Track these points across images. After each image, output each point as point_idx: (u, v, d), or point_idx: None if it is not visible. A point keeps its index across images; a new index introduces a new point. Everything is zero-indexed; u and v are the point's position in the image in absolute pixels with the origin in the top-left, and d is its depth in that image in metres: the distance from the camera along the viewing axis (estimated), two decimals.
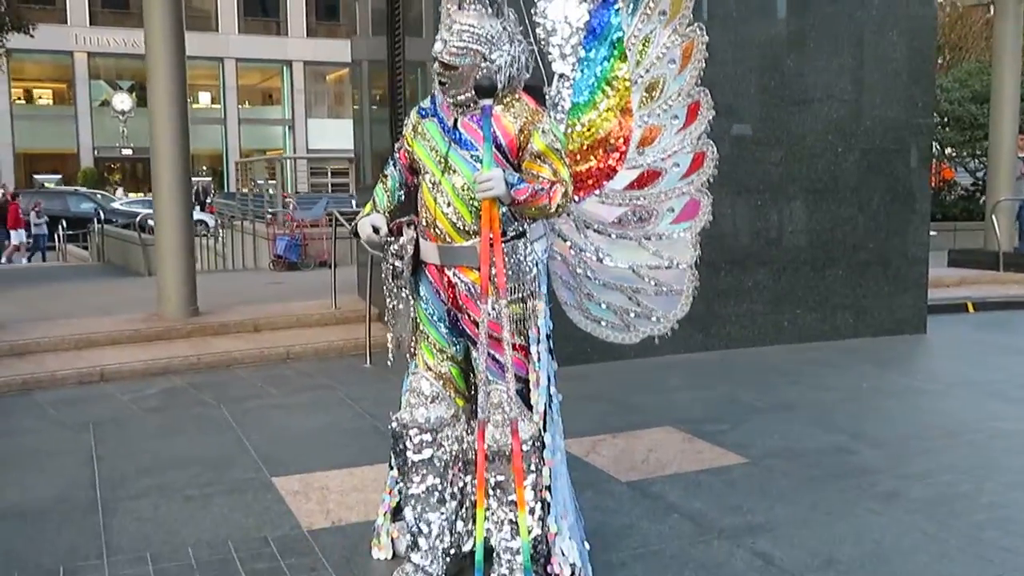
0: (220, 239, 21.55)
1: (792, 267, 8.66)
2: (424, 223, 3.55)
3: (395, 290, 3.72)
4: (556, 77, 3.89)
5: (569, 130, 3.89)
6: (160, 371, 7.51)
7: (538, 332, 3.59)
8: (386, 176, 3.75)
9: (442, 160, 3.45)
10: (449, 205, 3.44)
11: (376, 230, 3.63)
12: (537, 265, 3.60)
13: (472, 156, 3.38)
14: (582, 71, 3.90)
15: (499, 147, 3.37)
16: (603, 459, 5.20)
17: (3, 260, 22.65)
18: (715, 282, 8.23)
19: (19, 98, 43.49)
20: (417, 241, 3.61)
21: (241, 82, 45.25)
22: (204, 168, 44.93)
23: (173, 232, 8.93)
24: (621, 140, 3.95)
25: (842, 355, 8.18)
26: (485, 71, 3.31)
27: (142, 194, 36.80)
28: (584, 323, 4.18)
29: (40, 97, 45.79)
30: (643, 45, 3.93)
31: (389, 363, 3.86)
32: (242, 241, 19.47)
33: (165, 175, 8.98)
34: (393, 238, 3.66)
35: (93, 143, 43.13)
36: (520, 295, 3.56)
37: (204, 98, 46.82)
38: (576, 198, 3.91)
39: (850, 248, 8.84)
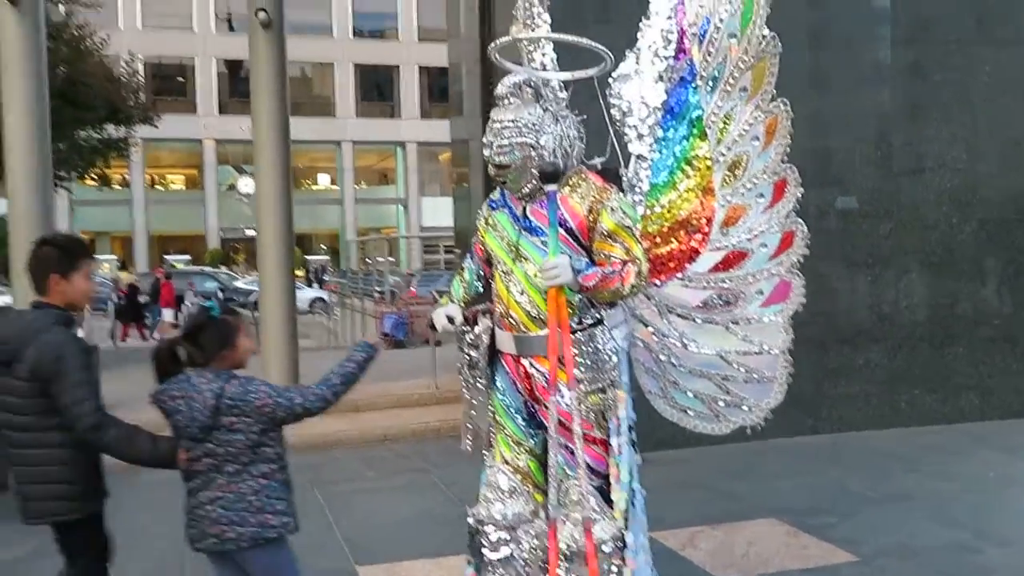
0: (333, 316, 22.04)
1: (908, 344, 8.19)
2: (499, 313, 3.49)
3: (471, 380, 3.65)
4: (633, 158, 3.79)
5: (648, 212, 3.76)
6: None
7: (619, 423, 3.44)
8: (463, 269, 3.75)
9: (513, 248, 3.39)
10: (522, 293, 3.36)
11: (451, 320, 3.59)
12: (617, 353, 3.47)
13: (542, 242, 3.30)
14: (660, 151, 3.78)
15: (569, 230, 3.29)
16: (700, 553, 4.93)
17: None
18: (824, 361, 7.86)
19: (153, 183, 46.12)
20: (493, 331, 3.54)
21: (358, 163, 46.92)
22: (323, 247, 46.51)
23: (277, 311, 9.14)
24: (703, 221, 3.79)
25: (965, 440, 7.63)
26: (542, 158, 3.26)
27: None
28: (670, 412, 3.98)
29: (172, 182, 48.47)
30: (724, 123, 3.79)
31: (468, 450, 3.78)
32: (352, 319, 19.86)
33: (270, 256, 9.24)
34: (469, 328, 3.60)
35: (220, 225, 45.23)
36: (599, 385, 3.43)
37: (323, 180, 48.72)
38: (657, 282, 3.77)
39: (972, 324, 8.31)
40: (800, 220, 3.89)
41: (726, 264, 3.84)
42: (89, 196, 33.52)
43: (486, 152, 3.33)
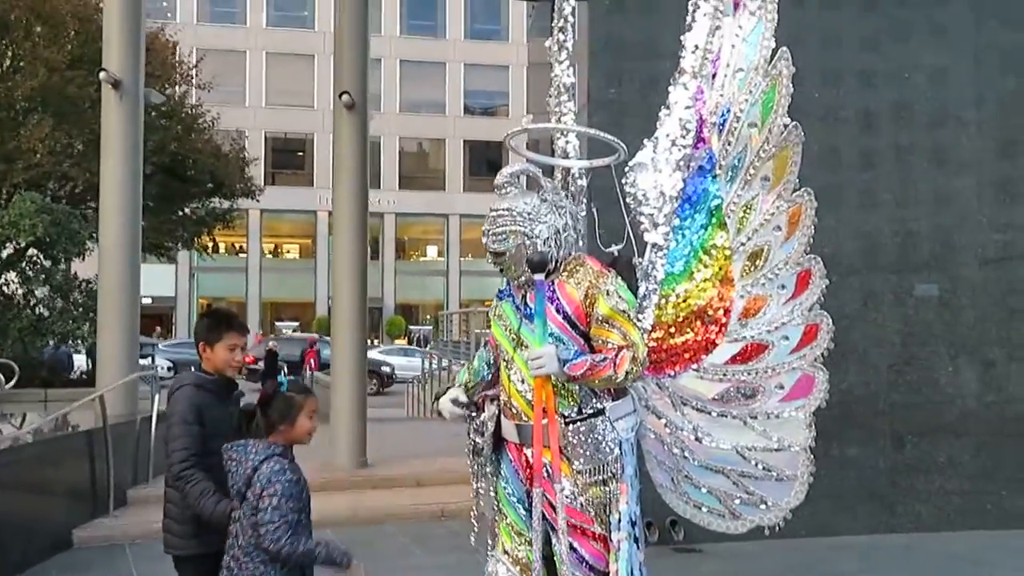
0: (427, 385, 22.22)
1: (996, 440, 7.69)
2: (503, 401, 3.48)
3: (476, 468, 3.62)
4: (649, 247, 3.73)
5: (663, 301, 3.70)
6: (316, 523, 7.60)
7: (620, 518, 3.34)
8: (474, 357, 3.75)
9: (515, 337, 3.38)
10: (523, 382, 3.34)
11: (457, 403, 3.60)
12: (620, 445, 3.38)
13: (540, 326, 3.28)
14: (676, 240, 3.73)
15: (566, 316, 3.27)
16: None
17: None
18: (901, 455, 7.47)
19: (269, 252, 47.98)
20: (499, 418, 3.52)
21: (465, 236, 47.77)
22: (428, 317, 47.26)
23: (347, 383, 9.28)
24: (721, 311, 3.71)
25: None
26: (533, 248, 3.27)
27: (369, 342, 39.00)
28: (683, 508, 3.85)
29: (288, 251, 50.30)
30: (744, 212, 3.73)
31: (472, 541, 3.73)
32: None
33: (343, 325, 9.42)
34: (475, 414, 3.59)
35: (328, 293, 46.58)
36: (600, 477, 3.35)
37: (431, 251, 49.74)
38: (671, 372, 3.69)
39: None
40: (825, 313, 3.76)
41: (744, 356, 3.73)
42: (209, 263, 35.08)
43: (484, 240, 3.36)
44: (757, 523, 3.80)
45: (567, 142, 3.93)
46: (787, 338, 3.74)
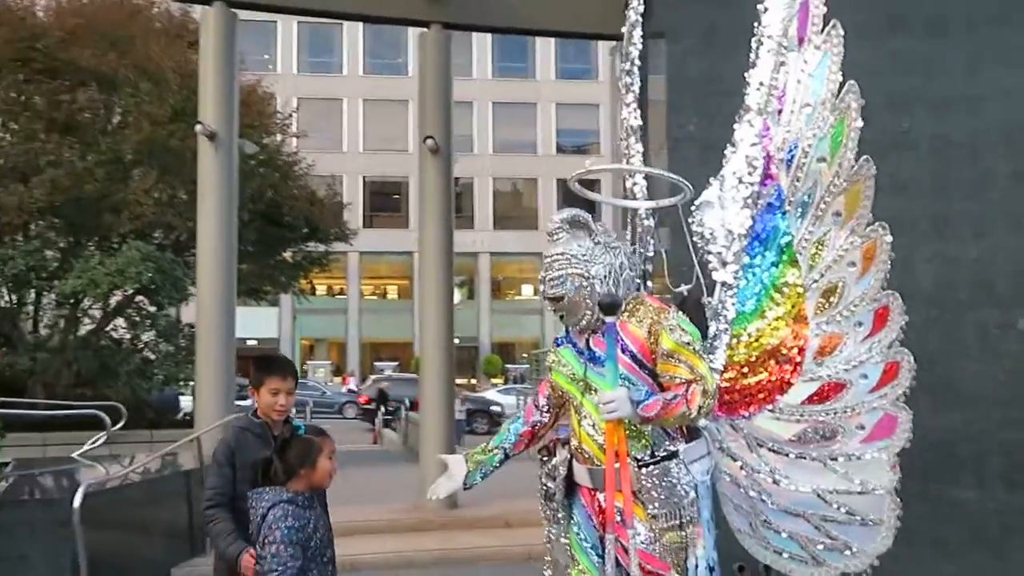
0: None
1: None
2: (574, 446, 3.45)
3: (549, 513, 3.59)
4: (718, 286, 3.67)
5: (734, 340, 3.63)
6: (405, 564, 7.71)
7: (696, 563, 3.26)
8: (517, 415, 3.75)
9: (581, 382, 3.36)
10: (593, 426, 3.31)
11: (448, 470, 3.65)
12: (695, 488, 3.31)
13: (611, 368, 3.25)
14: (746, 279, 3.66)
15: (632, 356, 3.23)
16: None
17: None
18: (1011, 497, 7.07)
19: (368, 293, 48.95)
20: (571, 462, 3.50)
21: None
22: (524, 355, 47.33)
23: (435, 422, 9.36)
24: (795, 350, 3.61)
25: None
26: (594, 289, 3.27)
27: (465, 380, 39.31)
28: (763, 554, 3.73)
29: (386, 292, 51.25)
30: (816, 248, 3.63)
31: None
32: None
33: (430, 364, 9.53)
34: (547, 458, 3.58)
35: None
36: (676, 522, 3.28)
37: (526, 290, 49.93)
38: (746, 413, 3.61)
39: None
40: (906, 351, 3.62)
41: (821, 396, 3.62)
42: (310, 305, 36.02)
43: (540, 287, 3.37)
44: (842, 570, 3.65)
45: (634, 183, 3.91)
46: (866, 376, 3.60)
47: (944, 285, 6.84)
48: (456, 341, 37.05)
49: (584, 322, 3.32)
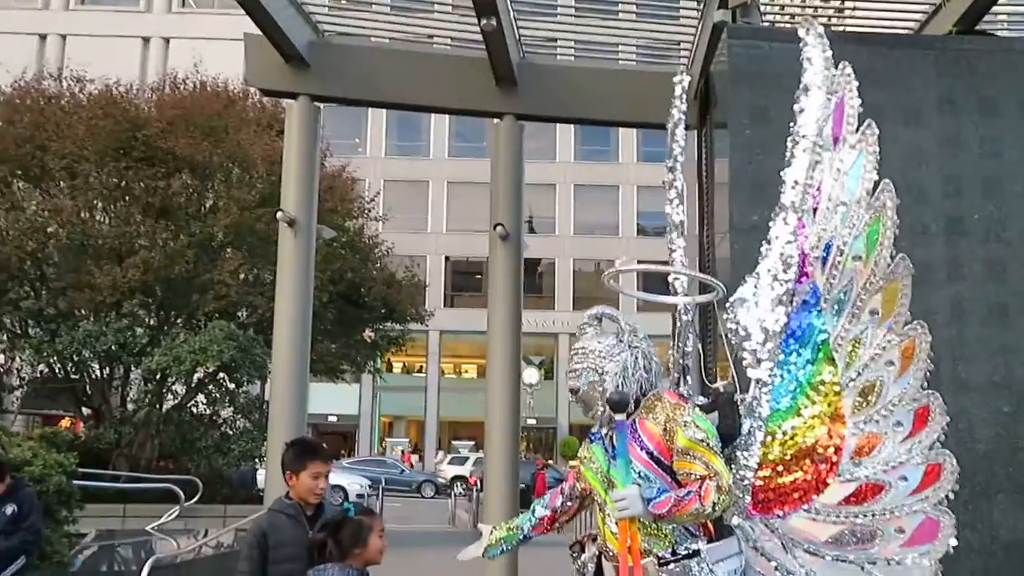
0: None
1: None
2: (599, 544, 3.49)
3: None
4: (753, 383, 3.69)
5: (769, 438, 3.63)
6: None
7: None
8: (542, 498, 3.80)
9: (605, 478, 3.41)
10: (617, 524, 3.34)
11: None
12: None
13: (623, 466, 3.30)
14: (781, 376, 3.66)
15: (649, 453, 3.29)
16: None
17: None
18: None
19: (447, 372, 49.28)
20: (599, 559, 3.53)
21: None
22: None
23: (499, 503, 9.36)
24: (831, 450, 3.59)
25: None
26: (603, 384, 3.36)
27: (546, 460, 39.01)
28: None
29: (466, 371, 51.49)
30: (853, 346, 3.64)
31: None
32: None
33: (495, 446, 9.59)
34: (577, 554, 3.62)
35: None
36: None
37: None
38: (780, 512, 3.58)
39: None
40: (948, 453, 3.58)
41: (859, 497, 3.58)
42: (391, 383, 36.44)
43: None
44: None
45: (675, 278, 3.99)
46: (906, 479, 3.56)
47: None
48: (533, 422, 36.98)
49: (599, 415, 3.40)
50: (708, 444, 3.25)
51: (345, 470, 29.17)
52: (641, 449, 3.27)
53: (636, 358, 3.46)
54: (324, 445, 4.17)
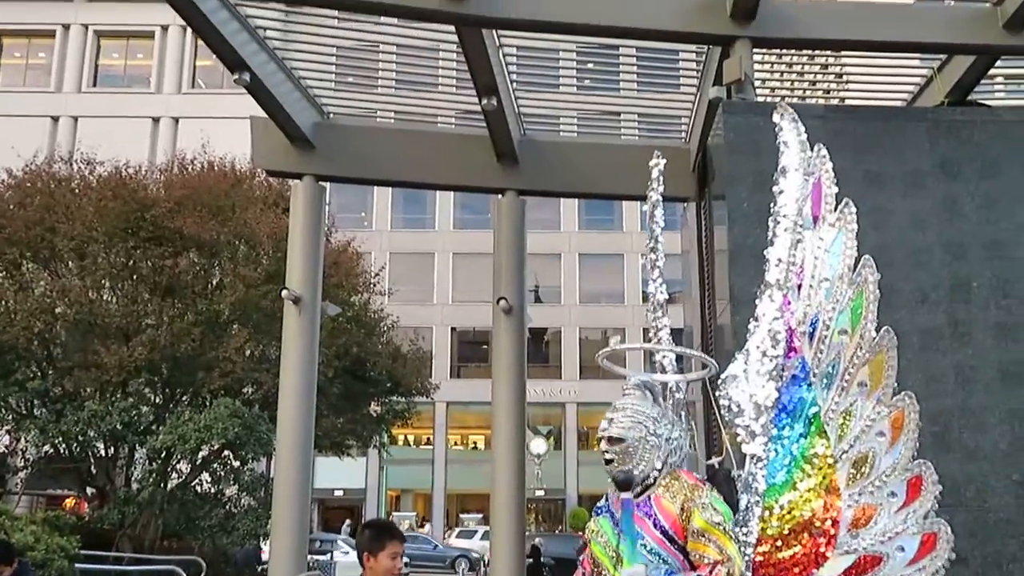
0: None
1: None
2: None
3: None
4: (748, 458, 3.73)
5: (767, 513, 3.66)
6: None
7: None
8: None
9: (615, 554, 3.43)
10: None
11: None
12: None
13: (640, 545, 3.32)
14: (776, 450, 3.72)
15: (664, 531, 3.31)
16: None
17: None
18: None
19: (455, 443, 48.89)
20: None
21: None
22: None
23: (506, 571, 9.30)
24: (829, 522, 3.63)
25: None
26: (653, 445, 3.43)
27: (555, 531, 38.49)
28: None
29: (474, 443, 51.09)
30: (844, 419, 3.71)
31: None
32: None
33: (501, 516, 9.56)
34: None
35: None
36: None
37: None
38: None
39: None
40: (943, 521, 3.61)
41: (859, 569, 3.61)
42: (397, 456, 36.15)
43: (603, 425, 3.59)
44: None
45: (663, 356, 4.05)
46: (903, 549, 3.59)
47: None
48: (541, 493, 36.60)
49: (631, 472, 3.42)
50: (724, 528, 3.28)
51: None
52: (655, 526, 3.30)
53: (681, 437, 3.55)
54: (396, 526, 4.22)
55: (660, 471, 3.44)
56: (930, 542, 3.59)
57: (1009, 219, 7.50)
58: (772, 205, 3.90)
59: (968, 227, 7.50)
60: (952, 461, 6.65)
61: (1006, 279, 7.43)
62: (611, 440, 3.48)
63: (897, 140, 7.78)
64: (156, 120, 41.36)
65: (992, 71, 9.51)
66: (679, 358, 4.09)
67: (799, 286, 3.81)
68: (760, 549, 3.56)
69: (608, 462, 3.50)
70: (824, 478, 3.66)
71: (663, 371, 4.00)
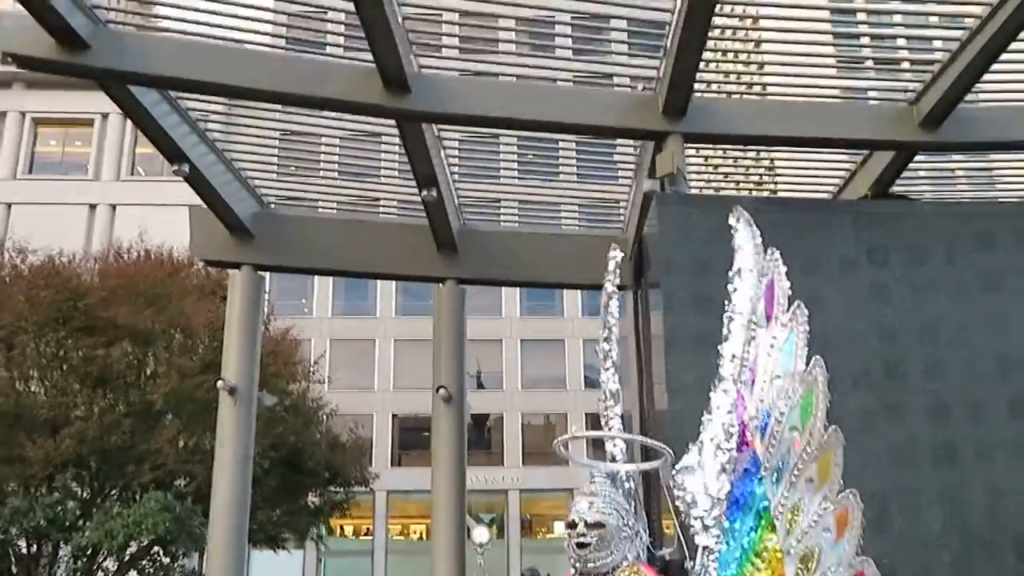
0: None
1: None
2: None
3: None
4: (700, 550, 3.72)
5: None
6: None
7: None
8: None
9: None
10: None
11: None
12: None
13: None
14: (727, 543, 3.72)
15: None
16: None
17: None
18: None
19: (395, 533, 47.78)
20: None
21: None
22: None
23: None
24: None
25: None
26: (626, 536, 3.50)
27: None
28: None
29: (415, 532, 49.99)
30: (792, 514, 3.71)
31: None
32: None
33: None
34: None
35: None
36: None
37: (558, 528, 48.60)
38: None
39: None
40: None
41: None
42: (337, 547, 35.17)
43: (582, 507, 3.58)
44: None
45: (614, 445, 4.05)
46: None
47: None
48: None
49: (606, 561, 3.42)
50: None
51: None
52: None
53: (640, 525, 3.62)
54: None
55: (621, 564, 3.42)
56: None
57: (934, 304, 7.75)
58: (726, 302, 3.97)
59: (897, 312, 7.73)
60: (888, 544, 6.72)
61: (935, 362, 7.64)
62: (589, 525, 3.44)
63: (827, 230, 8.04)
64: (93, 207, 40.79)
65: (912, 165, 9.91)
66: (626, 447, 4.08)
67: (752, 382, 3.85)
68: None
69: (582, 546, 3.47)
70: (773, 573, 3.65)
71: (613, 460, 4.00)
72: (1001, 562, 7.07)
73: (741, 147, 12.67)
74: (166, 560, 14.83)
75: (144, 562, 14.85)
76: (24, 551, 15.10)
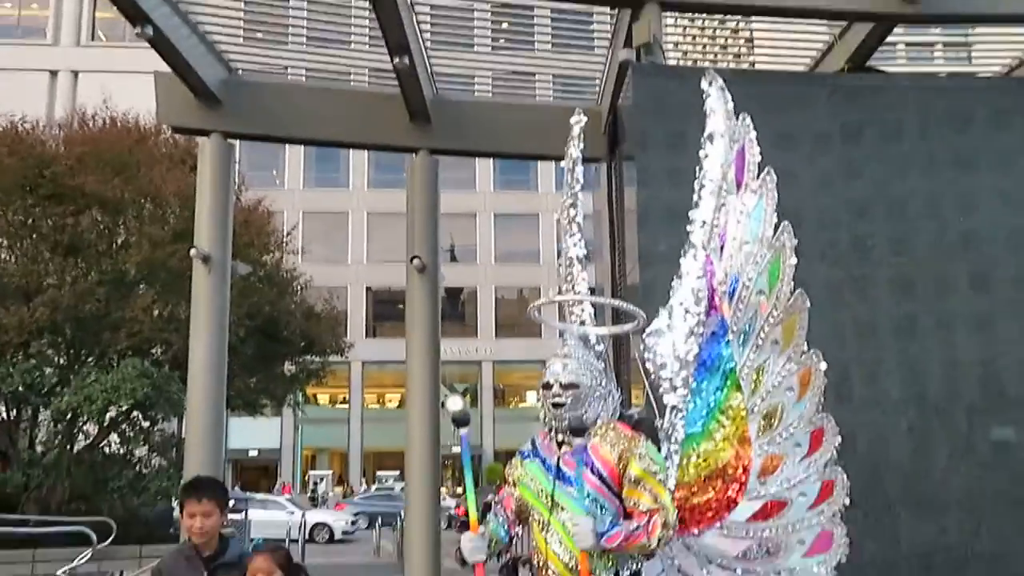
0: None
1: None
2: (536, 564, 3.57)
3: None
4: (668, 409, 3.90)
5: (684, 461, 3.83)
6: None
7: None
8: (487, 522, 3.82)
9: (548, 499, 3.53)
10: (560, 544, 3.47)
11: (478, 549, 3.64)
12: None
13: (578, 491, 3.43)
14: (694, 402, 3.89)
15: (601, 477, 3.44)
16: None
17: None
18: None
19: (371, 403, 48.79)
20: None
21: None
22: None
23: (420, 531, 9.44)
24: (740, 470, 3.82)
25: None
26: (602, 394, 3.62)
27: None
28: None
29: (390, 401, 51.04)
30: (757, 374, 3.88)
31: None
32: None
33: (415, 474, 9.66)
34: None
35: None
36: None
37: (531, 397, 49.73)
38: (696, 531, 3.78)
39: None
40: (840, 469, 3.83)
41: (765, 514, 3.81)
42: (313, 415, 35.95)
43: (556, 368, 3.64)
44: None
45: (583, 309, 4.15)
46: (804, 495, 3.82)
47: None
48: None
49: (579, 418, 3.51)
50: (659, 478, 3.45)
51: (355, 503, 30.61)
52: (593, 473, 3.42)
53: (616, 390, 3.75)
54: (214, 483, 4.15)
55: (596, 422, 3.56)
56: (828, 488, 3.83)
57: (905, 181, 7.85)
58: (698, 169, 4.03)
59: (867, 188, 7.82)
60: (854, 411, 7.02)
61: (901, 238, 7.81)
62: (564, 386, 3.55)
63: (801, 105, 8.03)
64: (54, 73, 39.65)
65: (890, 38, 9.83)
66: (594, 312, 4.19)
67: (721, 248, 3.94)
68: (678, 495, 3.73)
69: (558, 406, 3.56)
70: (737, 429, 3.84)
71: (582, 324, 4.11)
72: (954, 428, 7.41)
73: (720, 16, 12.46)
74: (146, 424, 15.13)
75: (124, 426, 15.14)
76: (3, 416, 15.34)
